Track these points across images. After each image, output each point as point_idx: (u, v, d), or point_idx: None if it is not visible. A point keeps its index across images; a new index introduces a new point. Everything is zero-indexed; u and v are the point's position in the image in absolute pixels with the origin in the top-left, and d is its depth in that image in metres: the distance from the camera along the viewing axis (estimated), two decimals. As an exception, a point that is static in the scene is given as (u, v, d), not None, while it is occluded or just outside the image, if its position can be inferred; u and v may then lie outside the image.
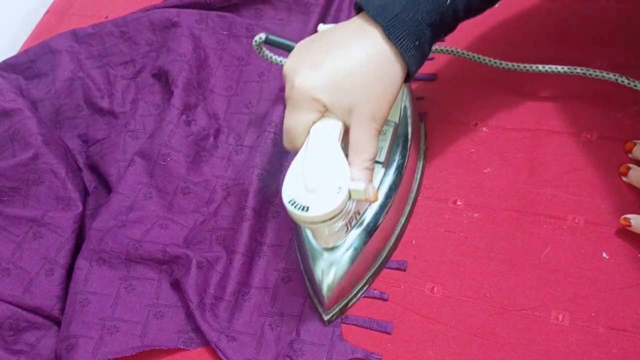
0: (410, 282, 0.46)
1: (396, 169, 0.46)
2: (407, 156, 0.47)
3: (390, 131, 0.47)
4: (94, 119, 0.64)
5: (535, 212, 0.47)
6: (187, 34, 0.64)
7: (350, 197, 0.39)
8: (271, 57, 0.55)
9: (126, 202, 0.54)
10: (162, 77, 0.63)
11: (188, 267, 0.48)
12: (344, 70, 0.38)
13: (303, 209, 0.37)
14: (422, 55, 0.40)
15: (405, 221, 0.49)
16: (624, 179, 0.46)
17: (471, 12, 0.42)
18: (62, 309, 0.51)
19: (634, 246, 0.43)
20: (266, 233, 0.51)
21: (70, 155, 0.60)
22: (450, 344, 0.43)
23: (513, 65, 0.51)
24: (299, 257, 0.49)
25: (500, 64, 0.51)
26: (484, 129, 0.52)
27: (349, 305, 0.47)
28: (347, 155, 0.39)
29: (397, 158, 0.47)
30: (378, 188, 0.45)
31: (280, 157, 0.55)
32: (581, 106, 0.51)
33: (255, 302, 0.48)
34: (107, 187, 0.58)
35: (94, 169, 0.61)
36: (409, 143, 0.48)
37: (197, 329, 0.47)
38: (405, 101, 0.49)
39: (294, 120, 0.40)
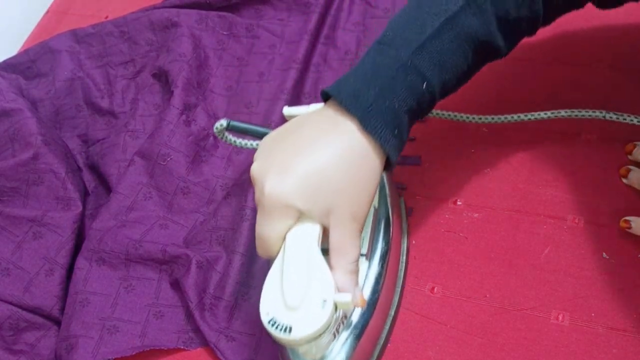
0: (410, 282, 0.46)
1: (380, 259, 0.42)
2: (391, 240, 0.43)
3: (370, 218, 0.43)
4: (93, 119, 0.64)
5: (535, 212, 0.47)
6: (187, 34, 0.64)
7: (336, 309, 0.35)
8: (235, 142, 0.50)
9: (126, 202, 0.54)
10: (162, 77, 0.63)
11: (188, 267, 0.48)
12: (316, 172, 0.35)
13: (285, 330, 0.34)
14: (401, 142, 0.37)
15: (395, 312, 0.44)
16: (624, 180, 0.46)
17: (447, 92, 0.40)
18: (62, 309, 0.51)
19: (634, 246, 0.43)
20: None
21: (70, 155, 0.60)
22: (450, 344, 0.43)
23: (499, 118, 0.49)
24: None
25: (485, 118, 0.50)
26: (484, 129, 0.52)
27: None
28: (327, 258, 0.36)
29: (380, 246, 0.42)
30: (364, 284, 0.41)
31: None
32: (581, 106, 0.50)
33: (255, 302, 0.48)
34: (107, 187, 0.58)
35: (94, 169, 0.61)
36: (391, 226, 0.43)
37: (197, 329, 0.47)
38: (384, 185, 0.45)
39: (268, 228, 0.37)
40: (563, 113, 0.48)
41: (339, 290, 0.35)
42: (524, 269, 0.44)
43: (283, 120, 0.56)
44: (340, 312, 0.37)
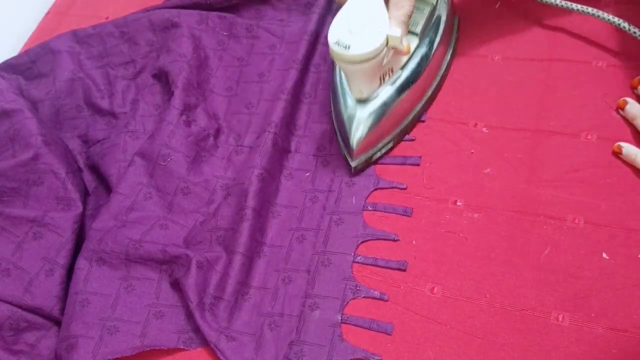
0: (410, 283, 0.46)
1: (429, 43, 0.52)
2: (439, 36, 0.52)
3: (426, 11, 0.52)
4: (94, 120, 0.64)
5: (535, 212, 0.47)
6: (187, 35, 0.64)
7: (387, 43, 0.45)
8: None
9: (126, 203, 0.54)
10: (162, 78, 0.63)
11: (188, 267, 0.48)
12: None
13: (346, 48, 0.44)
14: None
15: (433, 91, 0.54)
16: (620, 112, 0.47)
17: None
18: (62, 309, 0.51)
19: (634, 246, 0.43)
20: (266, 233, 0.51)
21: (71, 156, 0.61)
22: (450, 344, 0.43)
23: None
24: (333, 114, 0.54)
25: None
26: (484, 129, 0.52)
27: (374, 158, 0.52)
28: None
29: (430, 34, 0.52)
30: (411, 55, 0.51)
31: (281, 157, 0.55)
32: (581, 106, 0.51)
33: (255, 302, 0.49)
34: (107, 188, 0.58)
35: (94, 169, 0.61)
36: (441, 27, 0.53)
37: (197, 329, 0.47)
38: None
39: None
40: (590, 10, 0.52)
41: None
42: (524, 269, 0.44)
43: (283, 121, 0.56)
44: (389, 55, 0.48)
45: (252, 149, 0.56)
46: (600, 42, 0.53)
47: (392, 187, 0.51)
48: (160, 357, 0.48)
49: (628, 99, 0.48)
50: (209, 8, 0.68)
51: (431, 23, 0.52)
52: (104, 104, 0.65)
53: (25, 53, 0.71)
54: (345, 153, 0.52)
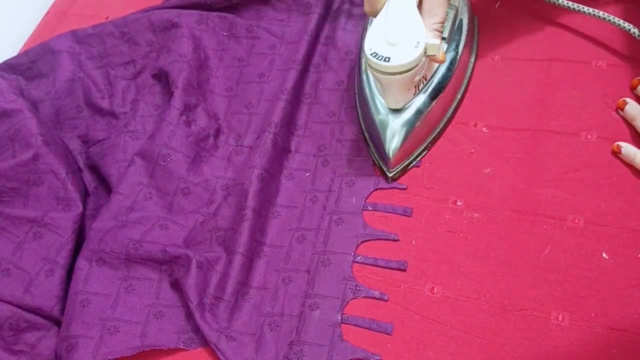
0: (410, 282, 0.46)
1: (455, 47, 0.52)
2: (464, 39, 0.52)
3: (451, 13, 0.51)
4: (94, 120, 0.64)
5: (535, 212, 0.47)
6: (187, 35, 0.64)
7: (426, 52, 0.45)
8: None
9: (126, 203, 0.54)
10: (163, 78, 0.63)
11: (188, 267, 0.48)
12: None
13: (385, 60, 0.43)
14: None
15: (461, 94, 0.54)
16: (620, 112, 0.47)
17: None
18: (62, 309, 0.51)
19: (634, 246, 0.43)
20: (266, 233, 0.51)
21: (71, 156, 0.60)
22: (450, 344, 0.43)
23: None
24: (363, 126, 0.54)
25: None
26: (484, 129, 0.52)
27: (411, 166, 0.52)
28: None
29: (455, 37, 0.52)
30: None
31: (281, 157, 0.55)
32: (581, 106, 0.51)
33: (255, 302, 0.49)
34: (107, 188, 0.58)
35: (94, 169, 0.61)
36: (464, 29, 0.53)
37: (197, 329, 0.47)
38: None
39: None
40: (601, 14, 0.51)
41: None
42: (524, 269, 0.44)
43: (283, 121, 0.56)
44: (425, 63, 0.48)
45: (252, 149, 0.56)
46: (600, 42, 0.54)
47: (392, 188, 0.51)
48: (160, 357, 0.48)
49: (627, 99, 0.48)
50: (209, 8, 0.68)
51: (455, 26, 0.52)
52: (104, 104, 0.65)
53: (25, 53, 0.71)
54: (380, 163, 0.52)
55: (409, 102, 0.49)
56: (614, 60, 0.52)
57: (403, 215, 0.50)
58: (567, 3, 0.53)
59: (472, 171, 0.50)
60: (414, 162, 0.52)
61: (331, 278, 0.48)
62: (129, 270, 0.51)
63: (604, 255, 0.43)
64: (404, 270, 0.47)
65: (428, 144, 0.52)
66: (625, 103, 0.48)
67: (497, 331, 0.42)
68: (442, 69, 0.50)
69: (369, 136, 0.53)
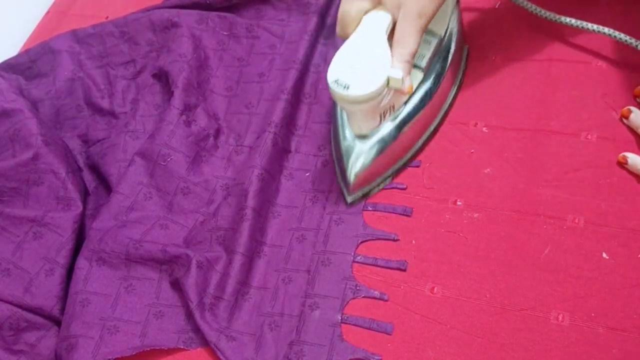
0: (410, 282, 0.46)
1: (434, 78, 0.50)
2: (446, 70, 0.50)
3: (434, 43, 0.50)
4: (94, 119, 0.64)
5: (535, 212, 0.47)
6: (187, 35, 0.64)
7: (388, 83, 0.43)
8: None
9: (126, 202, 0.54)
10: (163, 78, 0.63)
11: (188, 267, 0.48)
12: None
13: (345, 87, 0.42)
14: None
15: (432, 130, 0.52)
16: (624, 121, 0.47)
17: None
18: (62, 309, 0.51)
19: (634, 246, 0.43)
20: (266, 233, 0.51)
21: (71, 156, 0.60)
22: (450, 344, 0.43)
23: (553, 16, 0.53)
24: (333, 146, 0.53)
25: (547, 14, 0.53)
26: (484, 129, 0.52)
27: (371, 193, 0.51)
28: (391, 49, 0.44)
29: (436, 68, 0.50)
30: (415, 91, 0.49)
31: (281, 157, 0.55)
32: (581, 106, 0.51)
33: (255, 302, 0.49)
34: (107, 187, 0.58)
35: (94, 169, 0.61)
36: (449, 60, 0.51)
37: (197, 329, 0.47)
38: (453, 21, 0.51)
39: (349, 6, 0.45)
40: (606, 30, 0.50)
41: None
42: (524, 269, 0.44)
43: (283, 121, 0.56)
44: (390, 94, 0.45)
45: (252, 149, 0.56)
46: (600, 42, 0.53)
47: (392, 187, 0.51)
48: (160, 357, 0.48)
49: (632, 108, 0.47)
50: (209, 8, 0.68)
51: (438, 56, 0.50)
52: (104, 103, 0.65)
53: (25, 53, 0.71)
54: (342, 186, 0.51)
55: (375, 129, 0.48)
56: (614, 61, 0.52)
57: (403, 215, 0.50)
58: (572, 21, 0.52)
59: (472, 171, 0.50)
60: (376, 190, 0.51)
61: (331, 278, 0.48)
62: (129, 270, 0.51)
63: (604, 255, 0.43)
64: (404, 270, 0.47)
65: (393, 172, 0.51)
66: (630, 112, 0.47)
67: (497, 331, 0.42)
68: (415, 100, 0.49)
69: (335, 159, 0.52)
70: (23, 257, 0.52)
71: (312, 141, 0.57)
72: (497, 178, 0.49)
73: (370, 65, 0.43)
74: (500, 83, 0.54)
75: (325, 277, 0.48)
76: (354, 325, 0.46)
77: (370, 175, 0.50)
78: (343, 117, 0.50)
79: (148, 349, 0.47)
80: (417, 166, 0.52)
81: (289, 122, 0.57)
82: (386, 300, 0.46)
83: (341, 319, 0.46)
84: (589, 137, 0.49)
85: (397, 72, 0.43)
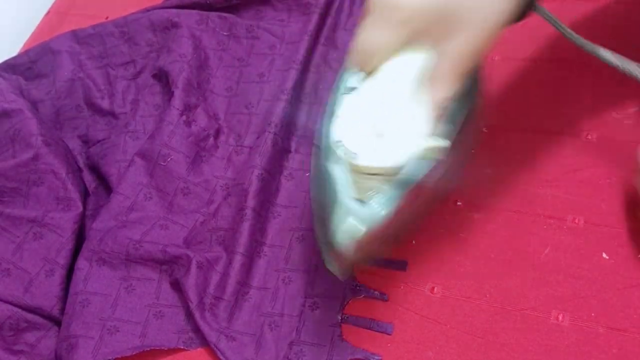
0: (410, 282, 0.46)
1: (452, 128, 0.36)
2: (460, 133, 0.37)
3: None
4: (94, 120, 0.64)
5: (535, 212, 0.47)
6: (187, 35, 0.64)
7: (422, 153, 0.31)
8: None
9: (126, 203, 0.54)
10: (163, 78, 0.63)
11: (188, 267, 0.48)
12: None
13: (355, 154, 0.31)
14: None
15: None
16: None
17: None
18: (62, 309, 0.51)
19: (634, 246, 0.43)
20: (266, 233, 0.51)
21: (71, 156, 0.61)
22: (450, 344, 0.43)
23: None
24: (314, 190, 0.39)
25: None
26: (484, 129, 0.52)
27: (358, 266, 0.47)
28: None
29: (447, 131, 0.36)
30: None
31: (281, 157, 0.55)
32: (581, 106, 0.51)
33: (255, 302, 0.49)
34: (107, 188, 0.58)
35: (94, 169, 0.61)
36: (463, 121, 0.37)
37: (197, 329, 0.47)
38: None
39: (378, 36, 0.33)
40: None
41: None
42: (524, 269, 0.44)
43: (283, 121, 0.56)
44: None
45: (252, 149, 0.56)
46: (600, 42, 0.53)
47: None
48: (160, 357, 0.48)
49: None
50: (209, 8, 0.68)
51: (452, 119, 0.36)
52: (104, 104, 0.65)
53: (25, 53, 0.71)
54: (324, 252, 0.38)
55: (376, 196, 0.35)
56: (614, 60, 0.52)
57: None
58: (610, 57, 0.41)
59: (472, 171, 0.50)
60: (363, 263, 0.45)
61: (331, 278, 0.48)
62: (129, 271, 0.51)
63: (604, 255, 0.43)
64: (404, 270, 0.47)
65: (386, 245, 0.43)
66: None
67: (497, 331, 0.42)
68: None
69: (317, 206, 0.38)
70: (23, 258, 0.52)
71: (312, 141, 0.57)
72: (497, 178, 0.49)
73: (400, 126, 0.31)
74: (500, 83, 0.54)
75: (325, 277, 0.48)
76: (354, 325, 0.46)
77: (362, 246, 0.36)
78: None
79: (148, 349, 0.47)
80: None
81: (289, 122, 0.57)
82: (386, 301, 0.46)
83: (341, 319, 0.46)
84: (589, 137, 0.49)
85: (437, 139, 0.31)
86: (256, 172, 0.52)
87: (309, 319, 0.46)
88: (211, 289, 0.48)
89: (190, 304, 0.47)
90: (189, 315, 0.48)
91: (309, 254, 0.50)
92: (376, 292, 0.47)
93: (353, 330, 0.45)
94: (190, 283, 0.48)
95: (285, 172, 0.55)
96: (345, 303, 0.47)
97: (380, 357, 0.44)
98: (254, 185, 0.52)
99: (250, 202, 0.51)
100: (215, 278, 0.49)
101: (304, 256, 0.50)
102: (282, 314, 0.47)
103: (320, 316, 0.46)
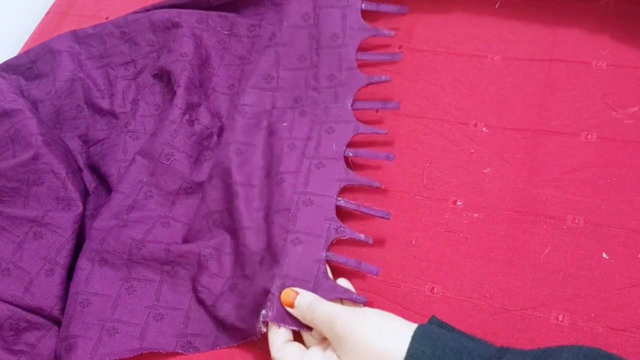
0: (410, 282, 0.46)
1: None
2: None
3: None
4: (94, 120, 0.64)
5: (535, 212, 0.47)
6: (188, 34, 0.64)
7: None
8: None
9: (127, 201, 0.54)
10: (163, 78, 0.64)
11: (198, 263, 0.49)
12: None
13: None
14: None
15: None
16: None
17: None
18: (63, 309, 0.51)
19: (634, 246, 0.43)
20: (263, 199, 0.51)
21: (71, 156, 0.61)
22: (450, 344, 0.43)
23: None
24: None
25: None
26: (484, 129, 0.52)
27: None
28: None
29: None
30: None
31: (253, 132, 0.56)
32: (581, 106, 0.51)
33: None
34: (107, 188, 0.58)
35: (95, 169, 0.61)
36: None
37: (195, 334, 0.47)
38: None
39: (275, 337, 0.42)
40: None
41: None
42: (524, 269, 0.44)
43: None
44: None
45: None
46: (600, 42, 0.53)
47: (373, 132, 0.52)
48: (160, 358, 0.48)
49: None
50: (209, 7, 0.68)
51: None
52: (104, 104, 0.65)
53: (25, 53, 0.71)
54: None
55: None
56: (614, 60, 0.52)
57: (386, 160, 0.51)
58: None
59: (472, 171, 0.50)
60: None
61: (313, 217, 0.48)
62: (130, 271, 0.51)
63: (604, 255, 0.43)
64: (387, 219, 0.48)
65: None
66: None
67: (497, 331, 0.42)
68: None
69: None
70: (23, 257, 0.52)
71: (287, 93, 0.57)
72: (497, 178, 0.49)
73: None
74: (500, 83, 0.54)
75: (307, 215, 0.48)
76: (342, 264, 0.46)
77: None
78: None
79: (146, 352, 0.47)
80: (398, 108, 0.53)
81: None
82: (371, 245, 0.47)
83: (326, 256, 0.46)
84: (589, 137, 0.49)
85: None
86: (232, 147, 0.53)
87: (292, 254, 0.46)
88: (229, 271, 0.49)
89: (214, 295, 0.48)
90: (188, 318, 0.48)
91: (289, 194, 0.50)
92: (361, 235, 0.47)
93: (340, 269, 0.46)
94: (207, 279, 0.49)
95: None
96: (330, 242, 0.46)
97: (366, 300, 0.43)
98: (233, 161, 0.52)
99: (235, 176, 0.52)
100: (229, 260, 0.50)
101: (284, 197, 0.49)
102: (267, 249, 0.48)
103: (304, 251, 0.46)
